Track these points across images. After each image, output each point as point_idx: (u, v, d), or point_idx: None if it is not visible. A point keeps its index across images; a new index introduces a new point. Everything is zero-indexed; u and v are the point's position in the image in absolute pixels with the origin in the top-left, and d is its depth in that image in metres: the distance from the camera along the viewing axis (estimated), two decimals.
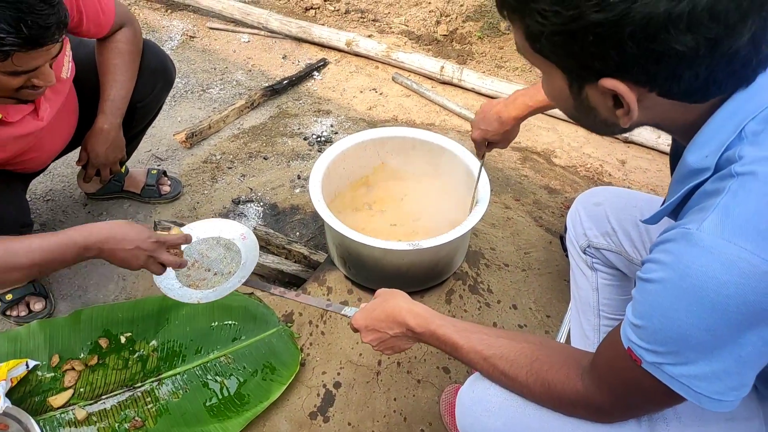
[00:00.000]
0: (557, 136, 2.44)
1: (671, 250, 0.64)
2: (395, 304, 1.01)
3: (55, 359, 1.45)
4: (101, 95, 1.53)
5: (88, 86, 1.53)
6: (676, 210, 0.74)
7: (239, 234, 1.38)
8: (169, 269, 1.26)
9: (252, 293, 1.57)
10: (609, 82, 0.64)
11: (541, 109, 1.29)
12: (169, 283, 1.28)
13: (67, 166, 2.14)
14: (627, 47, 0.60)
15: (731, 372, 0.64)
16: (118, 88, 1.53)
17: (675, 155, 0.83)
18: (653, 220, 0.78)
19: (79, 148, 1.61)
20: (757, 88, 0.65)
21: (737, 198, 0.62)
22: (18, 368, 1.40)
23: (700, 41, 0.58)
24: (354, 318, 1.08)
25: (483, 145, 1.38)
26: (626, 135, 2.34)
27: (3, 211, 1.37)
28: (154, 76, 1.67)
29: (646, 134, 2.32)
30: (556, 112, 2.47)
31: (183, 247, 1.31)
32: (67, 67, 1.40)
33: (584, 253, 1.27)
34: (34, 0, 1.08)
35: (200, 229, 1.39)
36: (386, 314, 1.01)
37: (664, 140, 2.28)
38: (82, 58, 1.50)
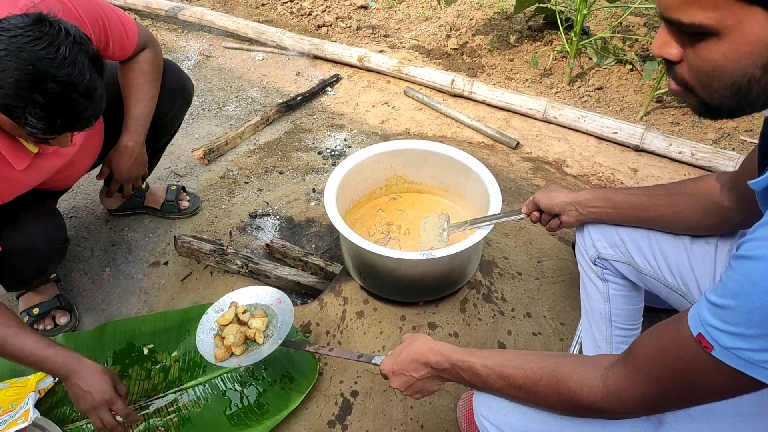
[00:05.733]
0: (568, 146, 2.46)
1: None
2: (417, 346, 1.03)
3: None
4: (125, 113, 1.58)
5: (111, 104, 1.59)
6: None
7: (275, 299, 1.46)
8: (209, 336, 1.38)
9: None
10: None
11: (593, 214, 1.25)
12: (210, 349, 1.36)
13: (90, 183, 2.20)
14: None
15: None
16: (141, 107, 1.58)
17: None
18: (761, 183, 0.72)
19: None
20: None
21: None
22: (45, 380, 1.45)
23: None
24: (382, 364, 1.10)
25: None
26: (638, 143, 2.35)
27: (47, 231, 1.42)
28: (174, 95, 1.73)
29: (657, 142, 2.33)
30: (566, 120, 2.50)
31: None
32: None
33: (594, 264, 1.28)
34: (78, 95, 1.09)
35: (239, 297, 1.47)
36: (411, 357, 1.03)
37: (675, 148, 2.29)
38: (105, 77, 1.56)
